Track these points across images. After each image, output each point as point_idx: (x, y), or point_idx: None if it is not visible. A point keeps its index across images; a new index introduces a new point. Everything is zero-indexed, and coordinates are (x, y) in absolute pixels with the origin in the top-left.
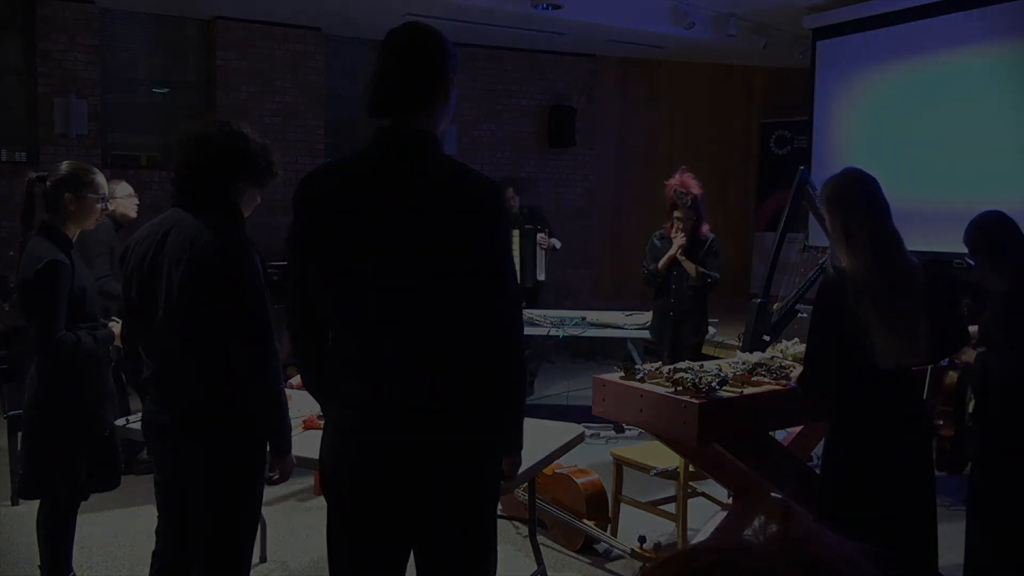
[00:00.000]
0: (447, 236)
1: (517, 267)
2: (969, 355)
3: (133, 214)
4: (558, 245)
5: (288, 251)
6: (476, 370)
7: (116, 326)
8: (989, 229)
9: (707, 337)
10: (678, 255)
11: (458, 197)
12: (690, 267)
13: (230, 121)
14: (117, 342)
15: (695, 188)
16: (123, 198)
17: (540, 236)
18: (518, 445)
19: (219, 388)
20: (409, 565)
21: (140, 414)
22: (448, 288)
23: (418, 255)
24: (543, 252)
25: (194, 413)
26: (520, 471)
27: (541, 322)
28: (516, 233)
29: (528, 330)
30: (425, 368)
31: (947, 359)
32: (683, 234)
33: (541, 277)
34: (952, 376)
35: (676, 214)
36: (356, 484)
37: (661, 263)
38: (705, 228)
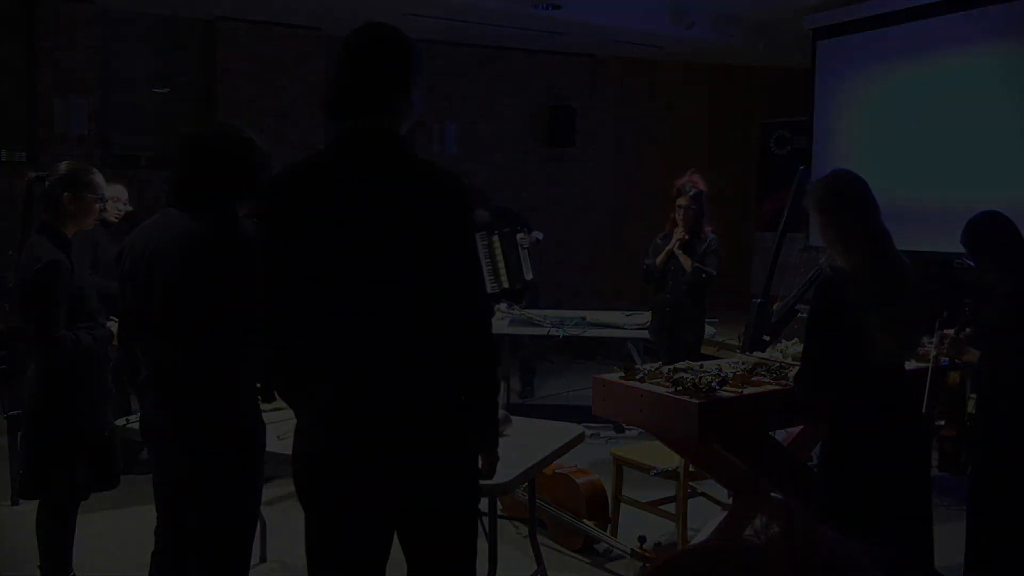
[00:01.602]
0: (416, 236)
1: (503, 271)
2: (971, 355)
3: (112, 218)
4: (540, 236)
5: (258, 255)
6: (448, 370)
7: (114, 326)
8: (986, 229)
9: (707, 337)
10: (676, 249)
11: (425, 196)
12: (686, 261)
13: (231, 124)
14: (115, 342)
15: (701, 185)
16: (110, 199)
17: (520, 237)
18: (493, 443)
19: (217, 388)
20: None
21: (139, 414)
22: (419, 289)
23: (388, 256)
24: (526, 251)
25: (192, 413)
26: (520, 471)
27: (541, 322)
28: (495, 239)
29: (528, 330)
30: (398, 370)
31: (948, 359)
32: (683, 227)
33: (529, 276)
34: (954, 376)
35: (679, 202)
36: (332, 489)
37: (659, 257)
38: (708, 229)
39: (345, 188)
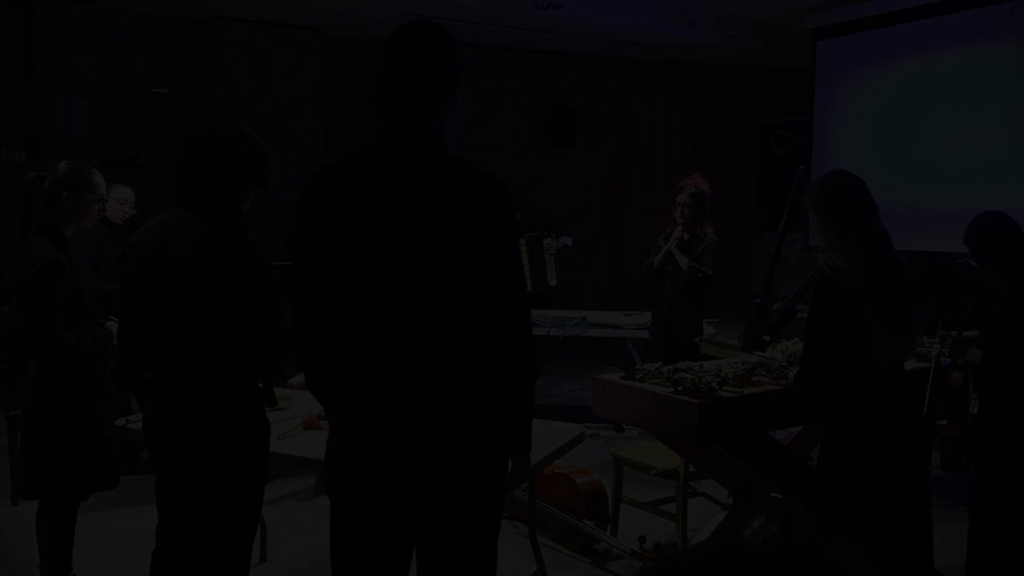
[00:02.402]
0: (456, 237)
1: (527, 275)
2: (974, 355)
3: (117, 219)
4: (569, 242)
5: (293, 252)
6: (483, 371)
7: (114, 325)
8: (990, 230)
9: (707, 337)
10: (673, 248)
11: (466, 197)
12: (682, 260)
13: (235, 124)
14: (115, 342)
15: (703, 186)
16: (112, 200)
17: (547, 242)
18: (526, 447)
19: (219, 388)
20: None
21: (140, 414)
22: (457, 289)
23: (427, 256)
24: (551, 257)
25: (194, 414)
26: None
27: (541, 322)
28: (522, 242)
29: None
30: (433, 370)
31: (950, 359)
32: (682, 227)
33: (553, 282)
34: (956, 376)
35: (678, 199)
36: (362, 486)
37: (657, 257)
38: (709, 229)
39: (387, 188)
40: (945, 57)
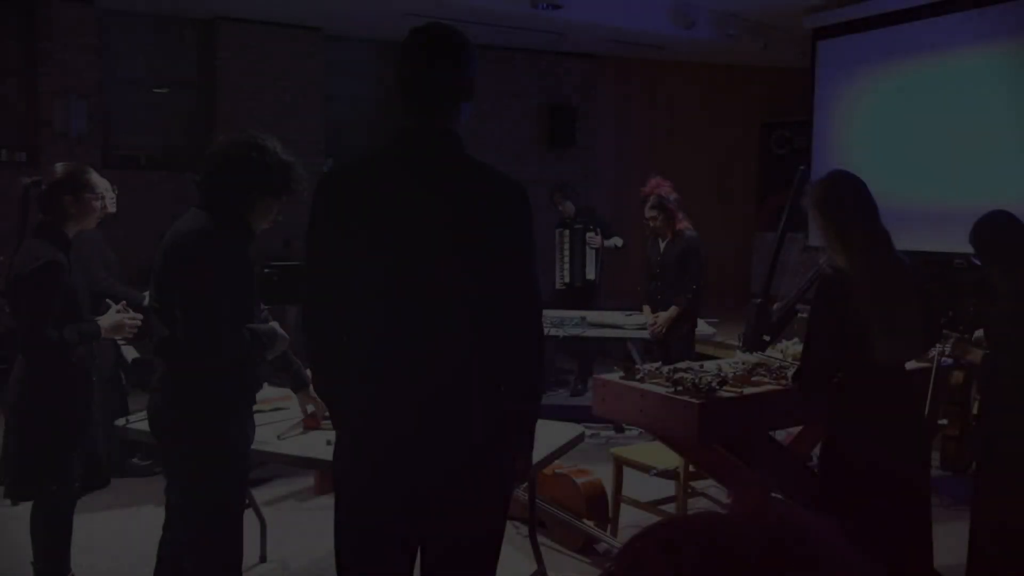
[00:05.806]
0: (473, 237)
1: (567, 266)
2: (975, 354)
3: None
4: (619, 243)
5: (307, 249)
6: (495, 371)
7: (104, 320)
8: (996, 229)
9: (707, 337)
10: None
11: (485, 197)
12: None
13: (258, 134)
14: (116, 336)
15: (663, 189)
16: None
17: (589, 235)
18: (530, 447)
19: (193, 382)
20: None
21: (140, 413)
22: (472, 288)
23: (443, 255)
24: (593, 251)
25: (183, 399)
26: None
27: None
28: (566, 233)
29: None
30: (444, 368)
31: (951, 359)
32: (657, 235)
33: (591, 276)
34: (957, 375)
35: (645, 212)
36: (370, 484)
37: (655, 331)
38: (683, 224)
39: (405, 187)
40: (944, 57)
